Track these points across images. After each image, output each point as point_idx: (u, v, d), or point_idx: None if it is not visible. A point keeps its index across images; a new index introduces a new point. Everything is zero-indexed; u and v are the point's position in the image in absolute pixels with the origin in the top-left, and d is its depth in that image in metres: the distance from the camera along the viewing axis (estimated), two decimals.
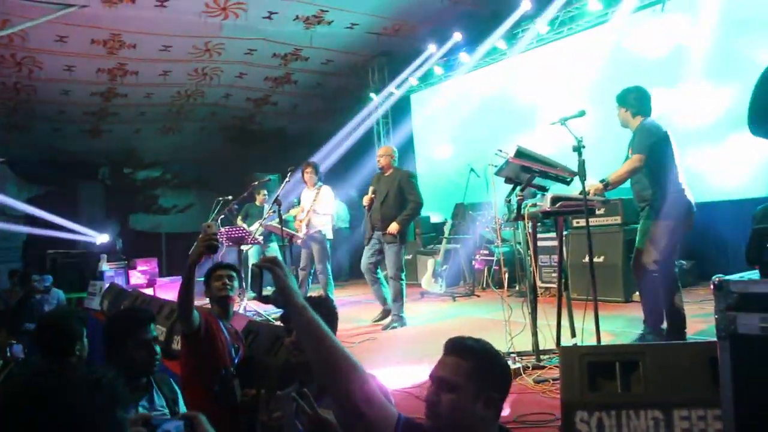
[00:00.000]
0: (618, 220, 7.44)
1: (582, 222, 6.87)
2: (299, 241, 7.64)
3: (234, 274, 3.91)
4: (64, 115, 13.71)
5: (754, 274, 1.93)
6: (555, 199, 4.51)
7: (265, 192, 10.27)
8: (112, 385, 1.25)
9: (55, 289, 9.54)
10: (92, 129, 14.86)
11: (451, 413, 1.80)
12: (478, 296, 8.84)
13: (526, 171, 4.55)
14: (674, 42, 8.39)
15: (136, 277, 10.71)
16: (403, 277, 7.02)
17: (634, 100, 5.08)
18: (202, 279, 3.98)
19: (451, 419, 1.81)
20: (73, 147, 15.22)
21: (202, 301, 3.98)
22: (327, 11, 10.72)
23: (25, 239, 14.42)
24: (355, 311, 8.19)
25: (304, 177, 7.98)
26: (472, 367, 1.82)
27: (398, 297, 6.95)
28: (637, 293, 5.52)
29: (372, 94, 13.31)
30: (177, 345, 5.35)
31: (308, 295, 7.03)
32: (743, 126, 2.40)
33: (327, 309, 2.55)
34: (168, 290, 10.23)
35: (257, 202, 10.26)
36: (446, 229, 9.34)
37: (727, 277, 1.92)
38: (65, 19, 9.65)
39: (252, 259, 10.55)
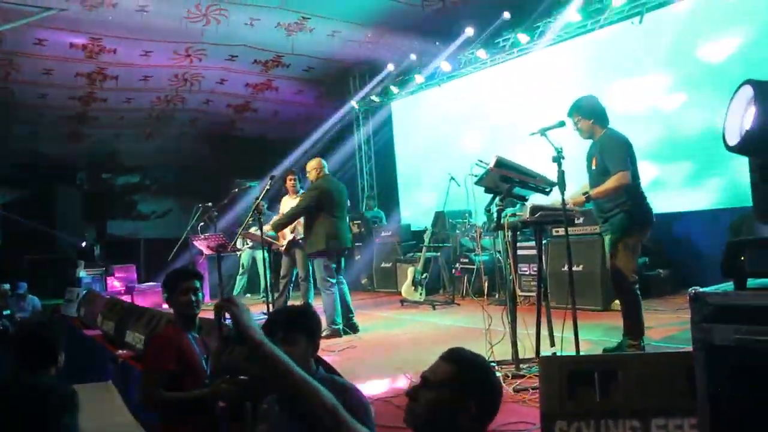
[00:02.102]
0: (597, 229, 7.46)
1: (561, 231, 6.94)
2: (280, 249, 7.62)
3: (200, 285, 3.71)
4: (41, 119, 13.55)
5: (729, 286, 1.96)
6: (534, 209, 4.55)
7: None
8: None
9: (30, 296, 9.44)
10: (71, 133, 14.72)
11: (426, 412, 1.83)
12: (458, 305, 8.86)
13: (506, 181, 4.58)
14: (652, 54, 8.51)
15: (114, 284, 10.60)
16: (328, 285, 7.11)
17: (594, 110, 5.11)
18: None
19: (425, 418, 1.83)
20: (51, 151, 15.06)
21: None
22: (309, 18, 10.74)
23: (1, 244, 14.24)
24: None
25: (286, 184, 7.96)
26: (454, 372, 1.84)
27: (328, 306, 7.04)
28: (617, 302, 5.56)
29: (353, 102, 13.35)
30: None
31: (289, 304, 7.04)
32: (718, 138, 2.44)
33: (309, 319, 2.55)
34: (146, 297, 10.13)
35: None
36: (426, 237, 9.35)
37: (703, 289, 1.95)
38: (44, 23, 9.57)
39: (245, 263, 10.59)
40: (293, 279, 7.81)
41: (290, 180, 7.91)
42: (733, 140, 2.18)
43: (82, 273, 10.78)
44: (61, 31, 10.12)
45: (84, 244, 12.27)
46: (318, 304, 6.94)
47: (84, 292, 9.30)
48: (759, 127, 2.01)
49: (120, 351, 6.28)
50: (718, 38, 7.82)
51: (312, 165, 7.40)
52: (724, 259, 1.94)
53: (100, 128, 14.58)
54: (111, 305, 7.31)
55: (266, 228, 7.08)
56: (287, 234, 7.63)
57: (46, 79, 11.85)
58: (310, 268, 7.50)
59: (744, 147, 2.17)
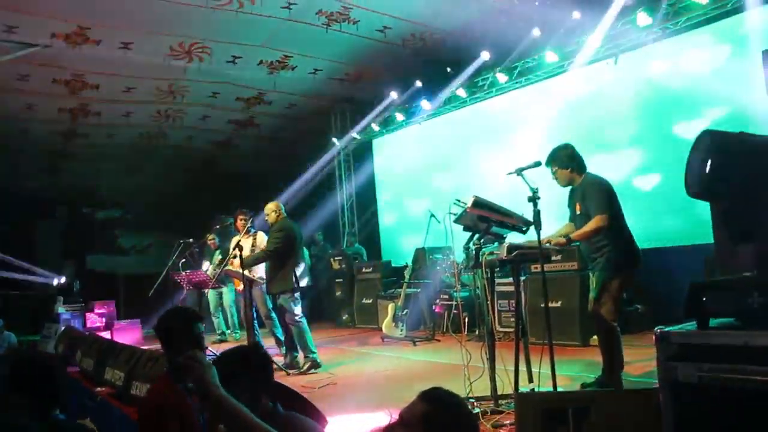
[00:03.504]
0: (575, 266, 7.59)
1: (540, 268, 7.05)
2: (260, 287, 7.65)
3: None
4: (22, 153, 13.52)
5: (692, 326, 2.06)
6: (511, 248, 4.65)
7: (214, 237, 10.32)
8: None
9: (6, 332, 9.33)
10: (51, 167, 14.70)
11: None
12: (439, 340, 8.89)
13: (484, 220, 4.68)
14: (627, 93, 8.73)
15: (93, 320, 10.52)
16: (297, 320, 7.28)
17: (571, 159, 5.26)
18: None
19: None
20: (31, 185, 15.00)
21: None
22: (291, 56, 10.90)
23: None
24: None
25: (237, 224, 7.98)
26: (427, 411, 1.89)
27: (301, 339, 7.25)
28: (596, 338, 5.64)
29: (334, 139, 13.49)
30: (136, 390, 5.31)
31: (231, 347, 7.03)
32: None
33: (251, 358, 2.58)
34: (126, 334, 10.08)
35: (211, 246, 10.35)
36: (407, 273, 9.41)
37: (668, 329, 2.04)
38: (28, 59, 9.63)
39: (211, 302, 10.52)
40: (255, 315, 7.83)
41: (241, 220, 7.91)
42: (695, 187, 2.30)
43: (60, 309, 10.68)
44: (44, 67, 10.18)
45: (63, 279, 12.16)
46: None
47: (62, 328, 9.23)
48: (716, 175, 2.13)
49: (99, 388, 6.26)
50: (686, 78, 8.07)
51: (271, 208, 7.60)
52: (687, 300, 2.03)
53: (81, 163, 14.58)
54: (91, 342, 7.28)
55: (235, 265, 7.15)
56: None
57: (28, 113, 11.88)
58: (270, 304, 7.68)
59: (704, 194, 2.28)
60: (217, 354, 3.05)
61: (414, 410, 1.92)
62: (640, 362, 5.91)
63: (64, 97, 11.43)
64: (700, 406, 1.94)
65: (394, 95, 11.97)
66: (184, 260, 8.37)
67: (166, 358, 3.37)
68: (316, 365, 7.18)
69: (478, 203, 4.64)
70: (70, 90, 11.22)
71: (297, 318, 7.24)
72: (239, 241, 6.59)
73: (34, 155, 13.84)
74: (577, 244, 5.99)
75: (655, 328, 2.08)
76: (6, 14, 8.67)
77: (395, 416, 1.95)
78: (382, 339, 9.13)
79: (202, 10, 8.93)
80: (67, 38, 9.45)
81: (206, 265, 9.75)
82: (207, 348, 3.73)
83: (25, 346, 9.94)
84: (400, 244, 12.56)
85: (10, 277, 12.15)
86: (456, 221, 4.94)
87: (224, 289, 10.33)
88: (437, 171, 11.70)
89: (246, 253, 7.40)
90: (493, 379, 4.81)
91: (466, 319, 8.33)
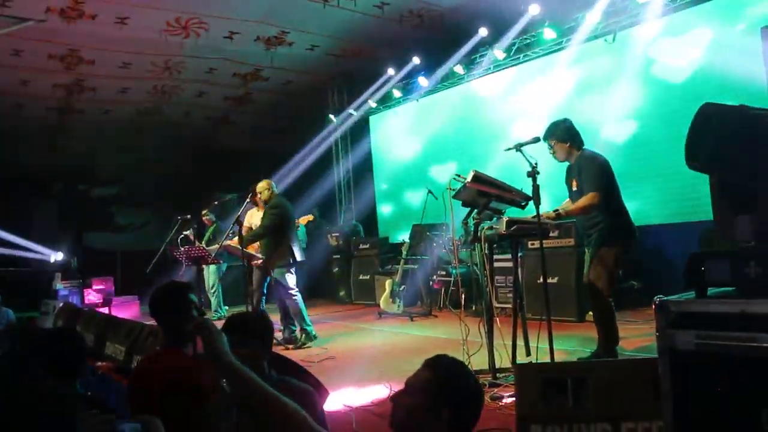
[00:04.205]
0: (571, 242, 7.65)
1: (537, 244, 7.09)
2: (256, 263, 7.68)
3: None
4: (17, 130, 13.47)
5: (690, 295, 2.10)
6: (510, 223, 4.68)
7: (207, 213, 10.35)
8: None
9: (4, 308, 9.36)
10: (47, 144, 14.65)
11: (404, 416, 1.93)
12: (436, 316, 8.96)
13: (483, 195, 4.71)
14: (625, 70, 8.72)
15: (92, 296, 10.57)
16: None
17: (568, 133, 5.28)
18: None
19: (403, 422, 1.93)
20: (27, 162, 14.94)
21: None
22: (288, 32, 10.84)
23: None
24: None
25: (254, 198, 8.03)
26: (431, 378, 1.93)
27: (297, 313, 7.38)
28: (591, 314, 5.70)
29: (331, 115, 13.46)
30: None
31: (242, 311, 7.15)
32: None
33: (262, 324, 2.66)
34: (124, 309, 10.14)
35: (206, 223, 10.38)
36: (404, 249, 9.46)
37: (667, 298, 2.09)
38: (21, 33, 9.56)
39: (211, 276, 10.55)
40: (264, 291, 7.91)
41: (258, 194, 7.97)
42: (694, 160, 2.33)
43: (59, 285, 10.72)
44: (39, 42, 10.11)
45: (60, 255, 12.19)
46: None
47: (60, 304, 9.26)
48: (715, 147, 2.16)
49: (99, 363, 6.30)
50: (685, 57, 8.06)
51: (263, 186, 7.65)
52: (686, 270, 2.08)
53: (76, 140, 14.53)
54: (90, 317, 7.32)
55: (234, 241, 7.23)
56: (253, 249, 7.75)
57: (22, 89, 11.82)
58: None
59: (703, 166, 2.32)
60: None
61: (419, 378, 1.95)
62: (635, 337, 5.99)
63: (59, 72, 11.36)
64: (697, 373, 1.98)
65: (391, 72, 11.93)
66: (182, 236, 8.40)
67: (162, 332, 3.37)
68: (311, 338, 7.34)
69: (478, 178, 4.66)
70: (65, 65, 11.15)
71: (292, 292, 7.34)
72: (238, 217, 6.60)
73: (29, 132, 13.77)
74: (571, 219, 6.06)
75: (655, 297, 2.12)
76: None
77: (394, 389, 1.99)
78: (380, 315, 9.20)
79: None
80: (61, 13, 9.36)
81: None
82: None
83: (24, 323, 10.00)
84: (397, 221, 12.60)
85: (7, 254, 12.19)
86: (455, 196, 4.97)
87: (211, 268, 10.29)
88: (434, 147, 11.70)
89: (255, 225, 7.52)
90: (491, 353, 4.87)
91: (463, 296, 8.38)
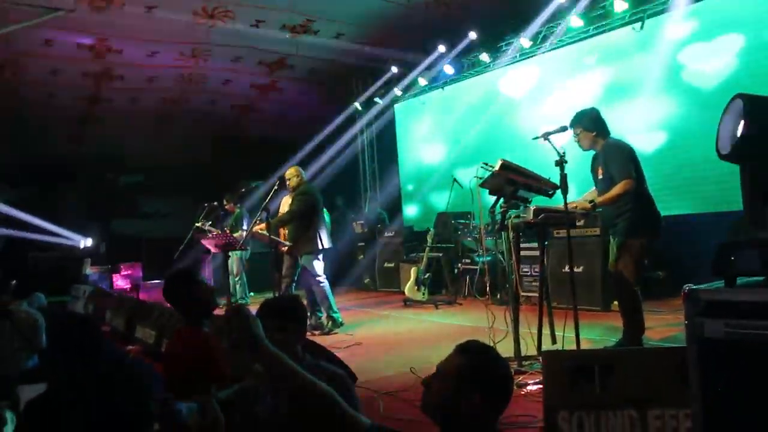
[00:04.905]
0: (597, 231, 7.63)
1: (562, 232, 7.08)
2: (284, 249, 7.76)
3: None
4: (47, 119, 13.67)
5: (720, 284, 2.12)
6: (538, 211, 4.70)
7: (230, 199, 10.42)
8: None
9: (36, 293, 9.53)
10: (76, 133, 14.85)
11: (435, 400, 1.98)
12: (460, 304, 9.00)
13: (510, 184, 4.71)
14: (654, 58, 8.63)
15: (120, 281, 10.75)
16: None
17: (595, 122, 5.28)
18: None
19: (435, 406, 1.99)
20: (57, 150, 15.17)
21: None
22: (314, 21, 10.86)
23: (6, 242, 14.34)
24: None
25: (287, 183, 8.11)
26: (462, 363, 1.97)
27: (323, 299, 7.42)
28: (616, 303, 5.70)
29: (356, 104, 13.47)
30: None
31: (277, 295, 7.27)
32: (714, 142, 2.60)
33: (298, 308, 2.72)
34: (152, 294, 10.29)
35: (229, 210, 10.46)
36: (429, 237, 9.48)
37: (696, 287, 2.11)
38: (52, 23, 9.69)
39: (235, 263, 10.65)
40: (295, 279, 7.98)
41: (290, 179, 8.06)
42: (725, 149, 2.34)
43: (88, 270, 10.91)
44: (68, 31, 10.25)
45: (89, 242, 12.39)
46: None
47: (91, 289, 9.43)
48: (748, 137, 2.17)
49: (130, 347, 6.43)
50: (717, 46, 7.95)
51: (292, 172, 7.72)
52: (715, 259, 2.09)
53: (105, 128, 14.69)
54: (120, 302, 7.45)
55: (261, 227, 7.32)
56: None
57: (53, 79, 11.99)
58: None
59: (734, 156, 2.33)
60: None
61: (451, 363, 2.00)
62: (661, 327, 5.98)
63: (88, 61, 11.51)
64: (726, 362, 2.00)
65: (416, 60, 11.90)
66: (210, 222, 8.49)
67: (180, 314, 3.72)
68: (337, 324, 7.40)
69: (506, 166, 4.67)
70: (94, 55, 11.30)
71: (320, 278, 7.40)
72: (266, 204, 6.68)
73: (58, 120, 13.97)
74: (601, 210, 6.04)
75: (684, 286, 2.14)
76: None
77: (421, 375, 2.03)
78: (404, 302, 9.25)
79: None
80: (90, 2, 9.48)
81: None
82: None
83: (55, 307, 10.18)
84: (422, 209, 12.62)
85: (38, 239, 12.42)
86: (482, 185, 4.99)
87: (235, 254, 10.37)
88: (460, 136, 11.66)
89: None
90: (516, 341, 4.90)
91: (488, 284, 8.40)
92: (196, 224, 8.41)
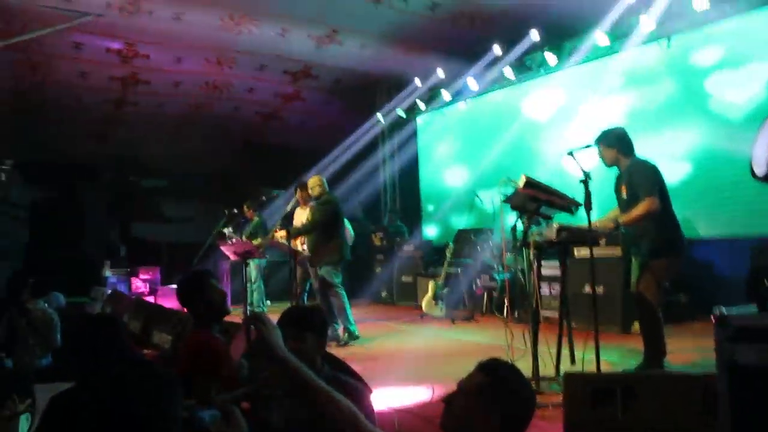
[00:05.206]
0: (618, 251, 7.52)
1: (582, 252, 7.02)
2: (304, 258, 7.75)
3: None
4: (73, 120, 13.83)
5: (752, 309, 2.06)
6: (560, 229, 4.63)
7: (250, 206, 10.42)
8: None
9: (55, 293, 9.59)
10: (100, 135, 15.00)
11: (454, 418, 1.95)
12: (478, 321, 8.92)
13: (534, 200, 4.66)
14: (678, 77, 8.55)
15: (138, 285, 10.79)
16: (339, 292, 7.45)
17: (620, 140, 5.22)
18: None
19: (453, 425, 1.95)
20: (80, 152, 15.32)
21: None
22: (339, 31, 10.89)
23: (28, 241, 14.48)
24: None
25: (298, 196, 8.13)
26: (485, 382, 1.93)
27: (341, 311, 7.37)
28: (637, 326, 5.61)
29: (378, 115, 13.47)
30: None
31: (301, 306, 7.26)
32: (739, 166, 2.53)
33: (318, 317, 2.70)
34: (169, 299, 10.29)
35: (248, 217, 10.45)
36: (448, 252, 9.42)
37: (727, 311, 2.05)
38: (82, 27, 9.81)
39: (253, 271, 10.64)
40: (307, 288, 7.98)
41: (302, 192, 8.08)
42: (761, 169, 2.27)
43: (107, 273, 10.96)
44: (98, 36, 10.37)
45: (111, 244, 12.49)
46: None
47: (109, 291, 9.47)
48: None
49: (145, 351, 6.43)
50: (745, 66, 7.85)
51: (315, 181, 7.67)
52: (749, 283, 2.03)
53: (129, 131, 14.84)
54: (138, 305, 7.46)
55: (280, 234, 7.31)
56: (299, 247, 7.80)
57: (80, 81, 12.12)
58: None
59: None
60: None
61: (472, 381, 1.95)
62: (683, 352, 5.86)
63: (116, 65, 11.62)
64: (759, 391, 1.94)
65: (440, 73, 11.89)
66: (229, 229, 8.50)
67: (192, 317, 3.75)
68: (354, 337, 7.33)
69: (530, 183, 4.63)
70: (121, 59, 11.41)
71: (337, 290, 7.36)
72: (285, 212, 6.68)
73: (84, 122, 14.13)
74: (623, 230, 5.95)
75: (714, 308, 2.08)
76: None
77: (437, 391, 1.99)
78: (421, 317, 9.19)
79: None
80: (120, 8, 9.58)
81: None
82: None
83: (73, 308, 10.23)
84: (442, 224, 12.56)
85: (59, 240, 12.52)
86: (504, 201, 4.94)
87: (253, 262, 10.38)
88: (482, 151, 11.60)
89: (299, 223, 7.56)
90: (535, 360, 4.82)
91: (507, 301, 8.33)
92: (223, 230, 8.43)
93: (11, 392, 3.38)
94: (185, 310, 3.84)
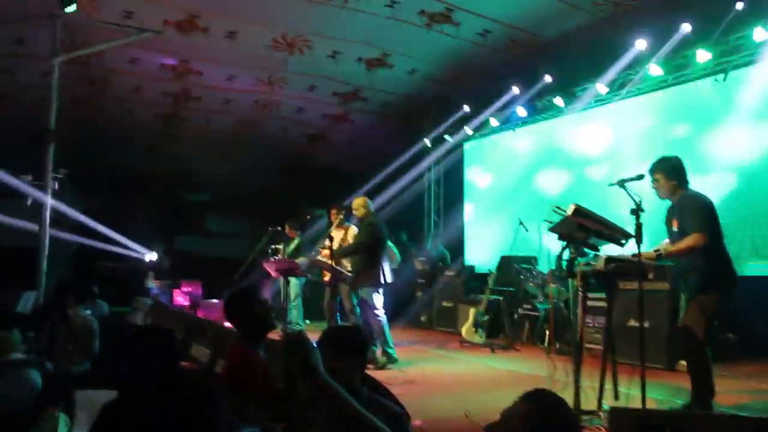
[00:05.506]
0: (666, 286, 7.32)
1: (628, 285, 6.86)
2: (327, 280, 7.73)
3: None
4: (125, 133, 14.13)
5: None
6: (609, 260, 4.53)
7: (293, 226, 10.44)
8: None
9: (99, 301, 9.75)
10: (150, 148, 15.30)
11: None
12: (518, 350, 8.76)
13: (582, 230, 4.57)
14: (733, 112, 8.36)
15: (180, 297, 10.90)
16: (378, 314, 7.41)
17: (676, 171, 5.08)
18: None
19: None
20: (131, 164, 15.63)
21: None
22: (389, 55, 10.98)
23: (76, 249, 14.77)
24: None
25: (331, 216, 8.16)
26: (530, 413, 1.87)
27: (380, 334, 7.32)
28: (683, 362, 5.44)
29: (426, 140, 13.46)
30: (221, 369, 5.45)
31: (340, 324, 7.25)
32: None
33: (359, 337, 2.68)
34: (210, 313, 10.39)
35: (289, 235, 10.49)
36: (490, 280, 9.31)
37: None
38: (139, 43, 10.04)
39: (293, 289, 10.67)
40: (337, 309, 7.96)
41: (335, 212, 8.09)
42: None
43: (151, 284, 11.10)
44: (154, 52, 10.63)
45: (154, 255, 12.65)
46: None
47: (151, 302, 9.57)
48: None
49: (183, 363, 6.46)
50: None
51: (360, 203, 7.67)
52: None
53: (178, 145, 15.12)
54: (179, 317, 7.53)
55: (324, 255, 7.31)
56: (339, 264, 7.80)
57: (135, 95, 12.44)
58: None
59: None
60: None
61: (518, 410, 1.89)
62: (732, 393, 5.66)
63: (169, 81, 11.90)
64: None
65: (489, 100, 11.86)
66: (272, 247, 8.55)
67: (239, 333, 3.76)
68: (392, 360, 7.27)
69: (579, 212, 4.53)
70: (175, 75, 11.68)
71: (378, 312, 7.32)
72: (330, 232, 6.69)
73: (136, 135, 14.44)
74: (668, 263, 5.80)
75: None
76: (126, 1, 9.13)
77: (475, 420, 1.94)
78: (461, 343, 9.07)
79: (308, 3, 9.12)
80: (177, 25, 9.82)
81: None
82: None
83: (115, 317, 10.37)
84: (485, 250, 12.43)
85: (106, 249, 12.75)
86: (552, 229, 4.84)
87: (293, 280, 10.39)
88: (528, 180, 11.51)
89: (335, 245, 7.54)
90: (577, 393, 4.70)
91: (547, 332, 8.18)
92: (272, 247, 8.48)
93: (53, 395, 3.43)
94: (231, 324, 3.85)
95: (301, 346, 1.85)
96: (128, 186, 15.91)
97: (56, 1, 8.35)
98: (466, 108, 12.36)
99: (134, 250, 12.99)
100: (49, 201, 8.64)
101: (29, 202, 8.72)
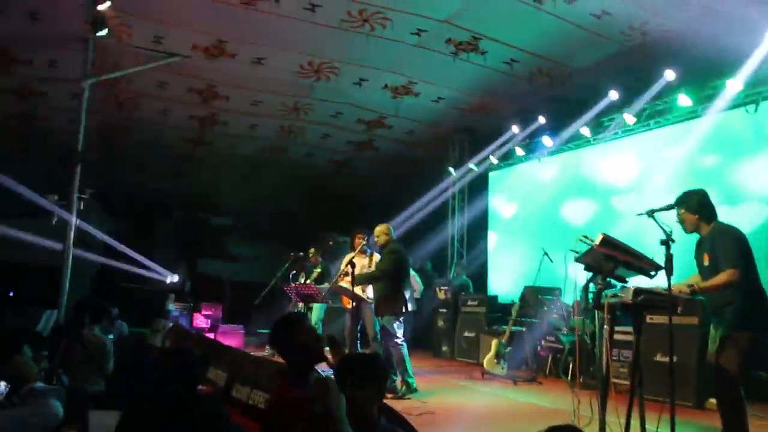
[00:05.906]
0: (695, 321, 7.14)
1: (655, 319, 6.71)
2: (350, 306, 7.63)
3: None
4: (151, 156, 14.29)
5: None
6: (638, 292, 4.39)
7: (315, 252, 10.38)
8: None
9: (119, 321, 9.75)
10: (176, 171, 15.45)
11: None
12: (541, 383, 8.57)
13: (610, 260, 4.45)
14: (763, 141, 8.21)
15: (200, 320, 10.88)
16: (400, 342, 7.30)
17: (702, 205, 4.94)
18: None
19: None
20: (155, 186, 15.81)
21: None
22: (416, 83, 11.00)
23: (99, 269, 14.86)
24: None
25: (354, 242, 8.08)
26: None
27: (400, 363, 7.19)
28: (713, 401, 5.26)
29: (450, 168, 13.42)
30: (236, 393, 5.37)
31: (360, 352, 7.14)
32: None
33: (379, 367, 2.59)
34: (229, 337, 10.36)
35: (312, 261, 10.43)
36: (513, 311, 9.17)
37: None
38: (168, 67, 10.18)
39: (314, 315, 10.60)
40: (357, 337, 7.86)
41: (359, 238, 8.01)
42: None
43: (171, 306, 11.10)
44: (182, 76, 10.74)
45: (176, 278, 12.67)
46: None
47: (171, 324, 9.55)
48: None
49: (200, 386, 6.38)
50: None
51: (382, 230, 7.60)
52: None
53: (202, 169, 15.25)
54: (198, 340, 7.48)
55: (346, 281, 7.24)
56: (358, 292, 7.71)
57: (162, 119, 12.58)
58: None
59: None
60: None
61: None
62: None
63: (196, 105, 12.02)
64: None
65: (515, 129, 11.82)
66: (294, 272, 8.51)
67: (288, 364, 3.44)
68: (412, 390, 7.15)
69: (607, 242, 4.41)
70: (202, 99, 11.79)
71: (398, 341, 7.21)
72: (352, 258, 6.62)
73: (161, 158, 14.58)
74: (700, 297, 5.64)
75: None
76: (156, 26, 9.26)
77: None
78: (482, 374, 8.91)
79: (335, 30, 9.17)
80: (206, 50, 9.93)
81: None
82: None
83: (135, 338, 10.37)
84: (508, 281, 12.29)
85: (128, 270, 12.80)
86: (578, 259, 4.73)
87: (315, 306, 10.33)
88: (553, 209, 11.39)
89: (358, 271, 7.46)
90: (602, 429, 4.55)
91: (572, 365, 8.00)
92: (293, 272, 8.44)
93: (67, 415, 3.39)
94: (280, 358, 3.61)
95: (324, 390, 1.82)
96: (152, 209, 16.06)
97: (89, 26, 8.50)
98: (492, 136, 12.29)
99: (156, 272, 13.02)
100: (74, 221, 8.69)
101: (54, 221, 8.78)
